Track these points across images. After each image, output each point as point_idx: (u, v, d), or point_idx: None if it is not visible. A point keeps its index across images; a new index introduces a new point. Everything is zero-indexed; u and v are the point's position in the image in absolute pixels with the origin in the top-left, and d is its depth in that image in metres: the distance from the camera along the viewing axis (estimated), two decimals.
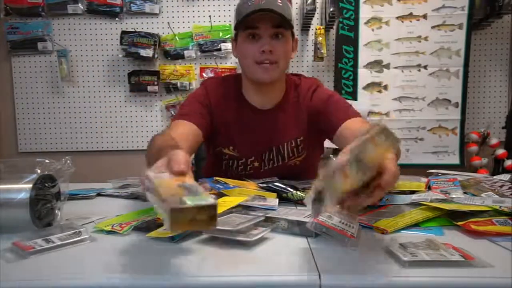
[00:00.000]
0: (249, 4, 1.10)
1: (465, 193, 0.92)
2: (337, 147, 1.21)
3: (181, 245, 0.66)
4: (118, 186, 1.18)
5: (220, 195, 0.89)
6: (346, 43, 2.14)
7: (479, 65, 2.30)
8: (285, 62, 1.17)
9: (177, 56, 2.31)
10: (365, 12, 2.13)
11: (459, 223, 0.72)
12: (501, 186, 0.94)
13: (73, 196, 1.05)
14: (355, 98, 2.16)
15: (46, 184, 0.75)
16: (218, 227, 0.62)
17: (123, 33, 2.27)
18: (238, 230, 0.64)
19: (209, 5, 2.32)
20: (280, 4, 1.11)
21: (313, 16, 2.21)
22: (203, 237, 0.66)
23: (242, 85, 1.24)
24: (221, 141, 1.23)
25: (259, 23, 1.11)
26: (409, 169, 1.99)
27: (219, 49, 2.31)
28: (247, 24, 1.12)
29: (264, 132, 1.21)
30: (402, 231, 0.71)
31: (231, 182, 0.96)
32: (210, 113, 1.20)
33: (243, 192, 0.88)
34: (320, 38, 2.20)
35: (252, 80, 1.18)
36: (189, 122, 1.12)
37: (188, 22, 2.32)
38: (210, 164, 1.35)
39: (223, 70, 2.32)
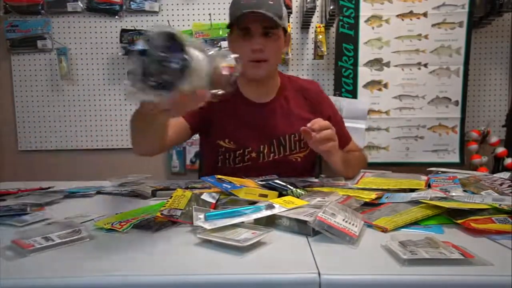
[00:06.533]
0: (242, 2, 1.14)
1: (465, 191, 0.92)
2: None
3: (180, 244, 0.66)
4: (117, 184, 1.18)
5: (229, 194, 0.89)
6: (346, 41, 2.14)
7: (480, 63, 2.29)
8: (276, 59, 1.23)
9: None
10: (365, 10, 2.12)
11: (458, 221, 0.72)
12: (501, 184, 0.93)
13: (72, 194, 1.06)
14: (355, 96, 2.16)
15: None
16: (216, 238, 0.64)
17: (123, 31, 2.26)
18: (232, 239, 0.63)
19: (209, 3, 2.31)
20: (271, 3, 1.13)
21: (313, 14, 2.20)
22: (200, 238, 0.66)
23: (238, 80, 1.27)
24: (217, 134, 1.27)
25: (250, 23, 1.14)
26: (409, 167, 2.02)
27: (219, 47, 2.30)
28: (239, 24, 1.15)
29: (261, 124, 1.25)
30: (401, 229, 0.71)
31: (235, 180, 0.96)
32: (201, 112, 1.22)
33: (250, 191, 0.88)
34: (320, 36, 2.19)
35: (245, 76, 1.23)
36: (182, 118, 1.21)
37: (188, 20, 2.32)
38: (206, 159, 1.38)
39: None
